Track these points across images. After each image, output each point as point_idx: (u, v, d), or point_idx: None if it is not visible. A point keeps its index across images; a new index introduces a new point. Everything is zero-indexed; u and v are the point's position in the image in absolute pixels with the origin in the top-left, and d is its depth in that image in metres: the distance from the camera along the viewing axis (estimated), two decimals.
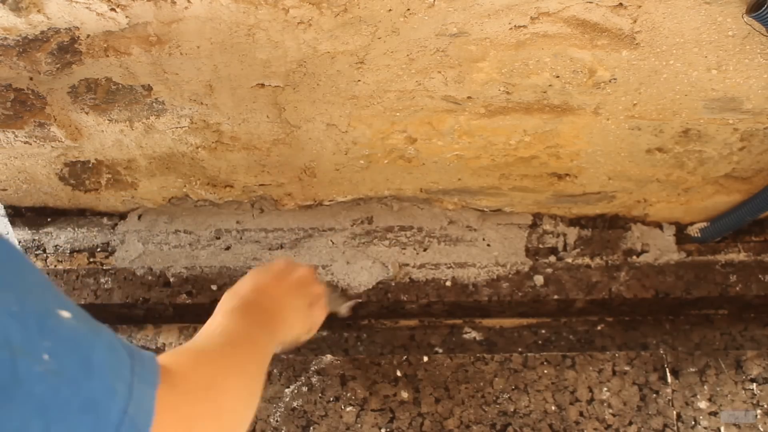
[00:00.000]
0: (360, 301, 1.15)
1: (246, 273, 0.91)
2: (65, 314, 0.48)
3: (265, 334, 0.79)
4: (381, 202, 1.20)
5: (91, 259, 1.20)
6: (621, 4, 0.78)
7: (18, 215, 1.22)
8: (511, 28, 0.82)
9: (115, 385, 0.49)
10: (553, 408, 1.12)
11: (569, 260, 1.18)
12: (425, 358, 1.15)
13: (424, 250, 1.19)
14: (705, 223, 1.19)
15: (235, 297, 0.83)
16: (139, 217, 1.22)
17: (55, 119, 0.99)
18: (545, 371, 1.14)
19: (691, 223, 1.21)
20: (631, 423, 1.10)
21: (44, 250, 1.20)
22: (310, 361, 1.14)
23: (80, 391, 0.46)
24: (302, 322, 0.91)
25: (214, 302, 1.14)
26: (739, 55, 0.84)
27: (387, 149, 1.06)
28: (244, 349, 0.73)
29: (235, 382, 0.66)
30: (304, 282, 0.93)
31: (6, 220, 1.21)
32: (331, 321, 1.22)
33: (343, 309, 1.13)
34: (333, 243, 1.19)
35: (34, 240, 1.20)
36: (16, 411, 0.42)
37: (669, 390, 1.13)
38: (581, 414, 1.11)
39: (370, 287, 1.16)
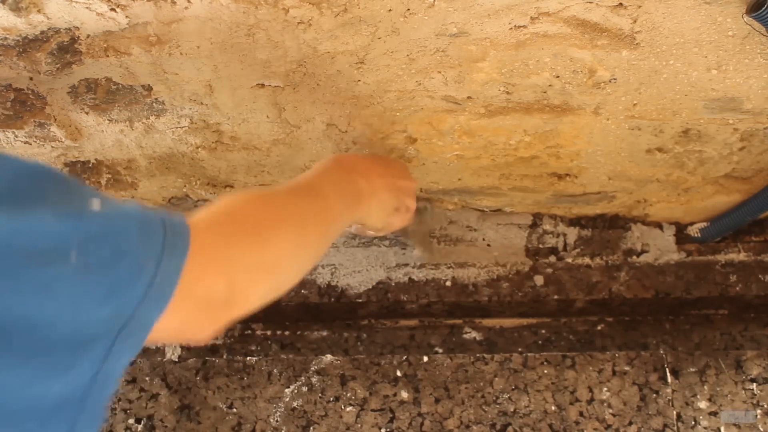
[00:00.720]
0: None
1: None
2: (95, 205, 0.50)
3: (342, 204, 0.78)
4: None
5: None
6: (621, 4, 0.78)
7: None
8: (511, 28, 0.82)
9: (143, 263, 0.50)
10: (553, 408, 1.12)
11: (569, 260, 1.18)
12: (425, 358, 1.15)
13: None
14: (705, 223, 1.19)
15: (335, 161, 0.82)
16: None
17: (55, 119, 0.99)
18: (545, 371, 1.14)
19: (691, 223, 1.21)
20: (631, 423, 1.10)
21: None
22: (310, 361, 1.14)
23: (107, 279, 0.48)
24: (382, 218, 0.90)
25: None
26: (739, 55, 0.84)
27: (387, 149, 1.06)
28: (310, 203, 0.72)
29: (287, 224, 0.65)
30: (405, 190, 0.93)
31: None
32: (332, 321, 1.22)
33: (418, 250, 1.15)
34: (333, 243, 1.19)
35: None
36: (48, 307, 0.45)
37: (669, 390, 1.13)
38: (581, 414, 1.11)
39: (370, 287, 1.16)
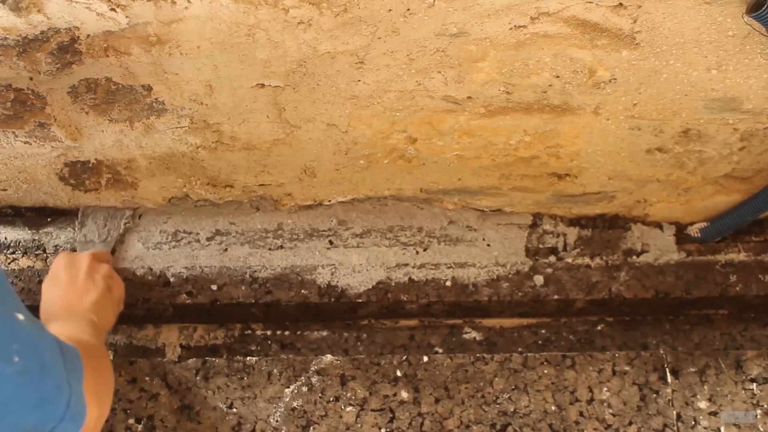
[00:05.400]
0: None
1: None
2: (20, 317, 0.54)
3: (101, 345, 0.90)
4: (381, 202, 1.20)
5: None
6: (621, 4, 0.78)
7: (18, 215, 1.22)
8: (511, 28, 0.82)
9: (61, 382, 0.56)
10: (553, 408, 1.12)
11: (569, 260, 1.18)
12: (425, 358, 1.15)
13: (424, 250, 1.19)
14: (705, 223, 1.19)
15: (63, 329, 0.89)
16: (139, 217, 1.22)
17: (55, 119, 0.99)
18: (545, 371, 1.14)
19: (691, 223, 1.21)
20: (631, 423, 1.10)
21: (44, 250, 1.20)
22: (310, 361, 1.14)
23: (39, 389, 0.52)
24: (111, 310, 1.00)
25: (214, 302, 1.15)
26: (739, 55, 0.84)
27: (387, 149, 1.06)
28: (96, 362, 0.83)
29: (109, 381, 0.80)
30: (93, 271, 1.01)
31: None
32: (332, 321, 1.22)
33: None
34: (333, 243, 1.19)
35: (34, 240, 1.20)
36: None
37: (669, 390, 1.13)
38: (581, 414, 1.11)
39: (370, 287, 1.16)
